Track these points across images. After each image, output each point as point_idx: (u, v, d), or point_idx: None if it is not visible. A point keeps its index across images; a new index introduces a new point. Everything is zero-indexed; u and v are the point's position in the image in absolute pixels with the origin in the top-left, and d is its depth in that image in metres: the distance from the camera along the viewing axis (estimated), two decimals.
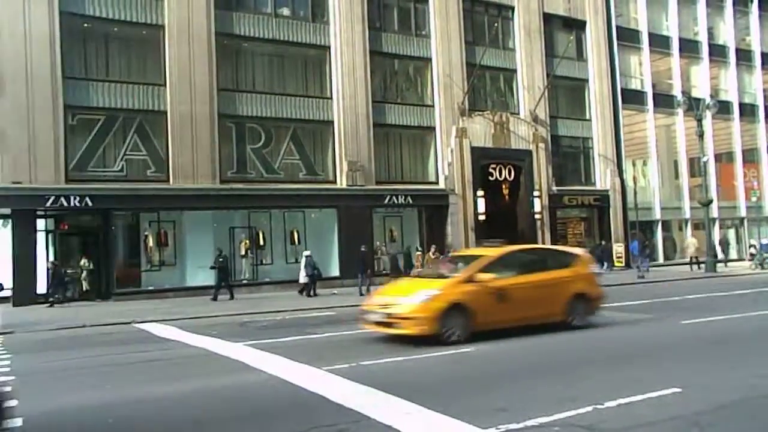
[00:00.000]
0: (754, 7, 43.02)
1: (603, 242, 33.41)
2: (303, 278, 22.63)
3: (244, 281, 25.40)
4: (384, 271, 27.79)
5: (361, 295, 21.56)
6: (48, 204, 21.68)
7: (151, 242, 24.03)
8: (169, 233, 24.40)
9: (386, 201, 28.01)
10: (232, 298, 21.46)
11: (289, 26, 26.98)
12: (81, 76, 22.87)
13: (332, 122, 27.35)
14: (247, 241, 25.78)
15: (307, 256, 23.03)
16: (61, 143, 22.09)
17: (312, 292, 22.37)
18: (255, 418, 6.30)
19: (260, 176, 25.87)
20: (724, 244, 35.43)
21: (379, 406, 6.39)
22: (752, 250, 35.71)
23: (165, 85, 23.98)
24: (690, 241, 33.78)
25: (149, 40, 24.25)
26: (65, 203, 21.88)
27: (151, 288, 23.37)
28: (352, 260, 25.64)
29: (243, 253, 25.72)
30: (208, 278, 24.03)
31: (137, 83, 23.73)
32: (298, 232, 26.80)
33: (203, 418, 6.44)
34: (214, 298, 21.22)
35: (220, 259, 21.95)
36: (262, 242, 26.09)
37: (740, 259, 35.42)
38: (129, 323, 15.53)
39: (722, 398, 6.37)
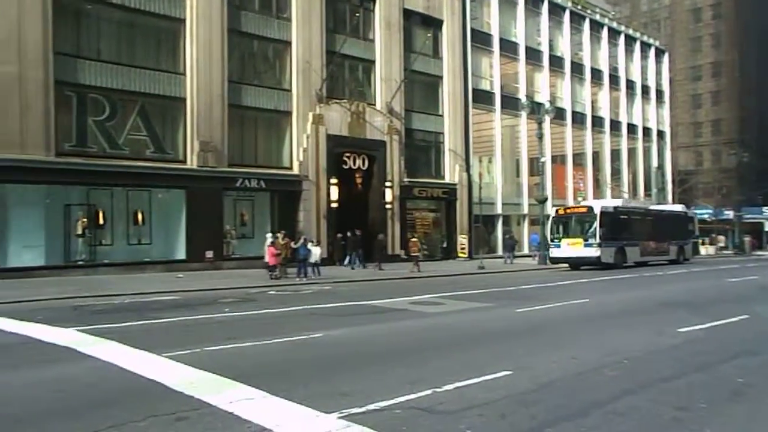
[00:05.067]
0: (586, 26, 47.35)
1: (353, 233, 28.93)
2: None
3: (80, 262, 23.59)
4: (234, 255, 27.29)
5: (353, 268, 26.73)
6: None
7: None
8: None
9: (238, 184, 27.33)
10: None
11: None
12: None
13: (185, 99, 26.14)
14: (85, 220, 23.93)
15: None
16: None
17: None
18: (83, 410, 5.87)
19: (102, 151, 24.12)
20: None
21: (222, 393, 6.24)
22: None
23: None
24: None
25: None
26: None
27: None
28: (200, 243, 25.06)
29: (80, 232, 23.85)
30: (36, 258, 22.16)
31: None
32: (142, 213, 25.36)
33: (16, 415, 5.81)
34: None
35: None
36: (102, 221, 24.35)
37: None
38: None
39: (545, 378, 6.97)
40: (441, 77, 36.55)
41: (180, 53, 26.40)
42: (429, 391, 6.32)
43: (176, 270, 24.19)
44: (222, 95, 26.93)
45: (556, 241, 29.52)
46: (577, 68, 46.40)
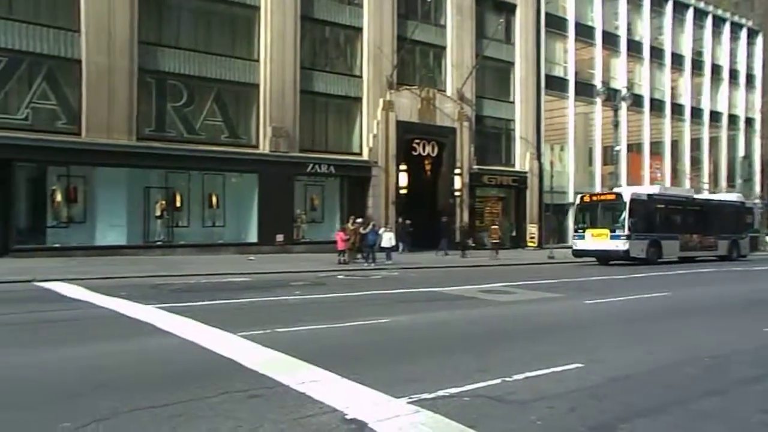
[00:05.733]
0: (668, 9, 45.18)
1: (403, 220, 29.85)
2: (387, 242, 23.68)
3: (158, 243, 24.63)
4: (304, 239, 27.77)
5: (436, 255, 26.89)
6: None
7: (58, 197, 22.81)
8: (79, 189, 23.26)
9: (309, 169, 27.77)
10: None
11: None
12: None
13: (258, 86, 26.71)
14: (164, 202, 24.96)
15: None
16: None
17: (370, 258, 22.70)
18: (164, 383, 6.14)
19: (180, 136, 25.00)
20: None
21: (293, 373, 6.37)
22: None
23: (79, 32, 22.58)
24: None
25: None
26: None
27: (57, 245, 22.27)
28: (272, 227, 25.64)
29: (158, 213, 24.90)
30: (119, 237, 23.26)
31: (46, 26, 22.20)
32: (217, 196, 26.19)
33: (106, 383, 6.18)
34: None
35: None
36: (179, 204, 25.33)
37: None
38: (29, 281, 14.74)
39: (617, 372, 6.76)
40: (513, 63, 35.85)
41: (254, 40, 26.97)
42: (498, 381, 6.25)
43: (248, 252, 24.89)
44: (294, 81, 27.36)
45: (580, 232, 26.27)
46: (657, 53, 44.47)
